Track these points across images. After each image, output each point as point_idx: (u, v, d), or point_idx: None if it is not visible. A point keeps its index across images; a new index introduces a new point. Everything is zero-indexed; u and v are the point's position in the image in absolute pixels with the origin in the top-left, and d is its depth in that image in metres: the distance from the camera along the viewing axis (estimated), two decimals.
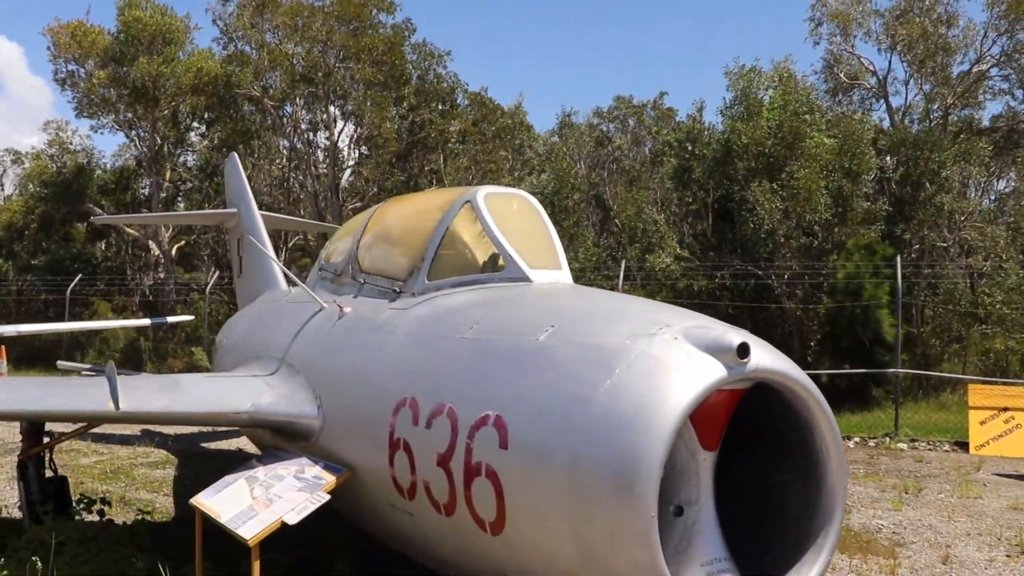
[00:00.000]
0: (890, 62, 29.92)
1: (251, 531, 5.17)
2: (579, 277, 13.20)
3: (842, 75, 31.35)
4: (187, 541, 7.63)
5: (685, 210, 29.20)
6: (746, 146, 23.40)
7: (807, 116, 23.22)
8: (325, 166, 33.20)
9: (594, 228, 34.34)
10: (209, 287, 23.36)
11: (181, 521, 9.09)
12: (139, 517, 8.24)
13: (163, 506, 9.99)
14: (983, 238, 21.76)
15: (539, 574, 3.98)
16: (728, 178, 24.46)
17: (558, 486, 3.69)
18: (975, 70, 27.94)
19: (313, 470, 5.69)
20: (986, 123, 29.54)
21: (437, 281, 5.59)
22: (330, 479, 5.44)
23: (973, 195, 27.64)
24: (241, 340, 9.31)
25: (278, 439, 6.62)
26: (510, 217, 5.63)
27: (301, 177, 33.67)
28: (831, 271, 21.07)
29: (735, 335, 3.75)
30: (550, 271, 5.38)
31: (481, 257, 5.61)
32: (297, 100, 31.34)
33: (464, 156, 34.62)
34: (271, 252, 12.33)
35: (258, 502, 5.56)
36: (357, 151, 33.82)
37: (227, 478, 6.19)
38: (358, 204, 34.64)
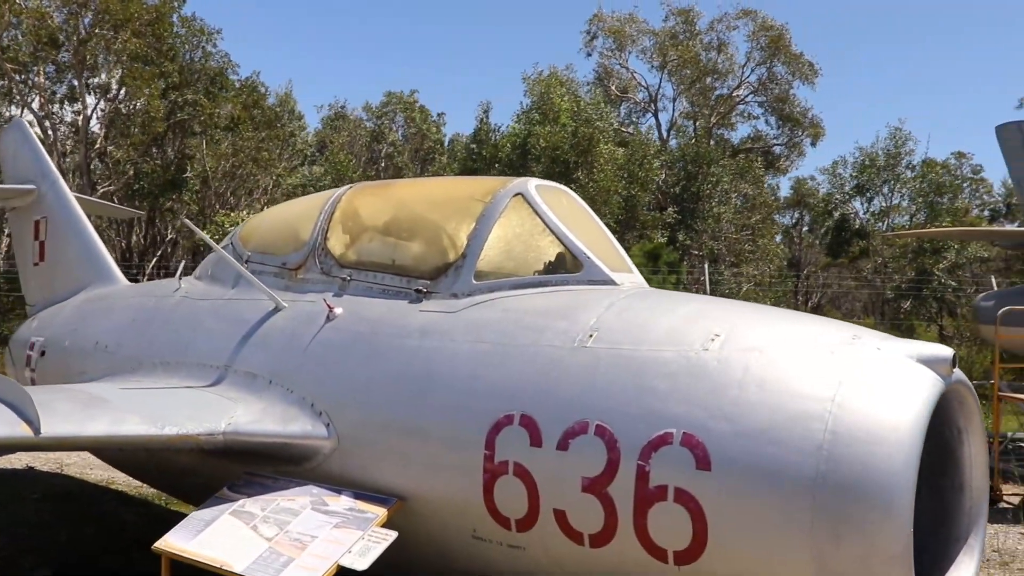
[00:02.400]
0: (660, 80, 32.16)
1: None
2: None
3: (613, 88, 33.15)
4: None
5: None
6: (543, 149, 23.96)
7: (599, 123, 24.27)
8: (72, 144, 29.39)
9: None
10: None
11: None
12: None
13: None
14: (756, 248, 24.05)
15: None
16: None
17: (794, 509, 3.39)
18: (735, 95, 30.81)
19: (338, 501, 4.83)
20: (736, 143, 32.73)
21: (490, 282, 4.98)
22: (378, 511, 4.62)
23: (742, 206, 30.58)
24: (115, 342, 7.75)
25: (229, 462, 5.58)
26: (564, 213, 5.17)
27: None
28: None
29: (941, 346, 3.73)
30: (627, 274, 5.00)
31: (544, 256, 5.07)
32: (41, 66, 27.37)
33: (225, 142, 32.43)
34: (95, 235, 10.69)
35: (280, 544, 4.61)
36: (109, 130, 30.33)
37: (200, 515, 5.10)
38: (110, 187, 31.16)
